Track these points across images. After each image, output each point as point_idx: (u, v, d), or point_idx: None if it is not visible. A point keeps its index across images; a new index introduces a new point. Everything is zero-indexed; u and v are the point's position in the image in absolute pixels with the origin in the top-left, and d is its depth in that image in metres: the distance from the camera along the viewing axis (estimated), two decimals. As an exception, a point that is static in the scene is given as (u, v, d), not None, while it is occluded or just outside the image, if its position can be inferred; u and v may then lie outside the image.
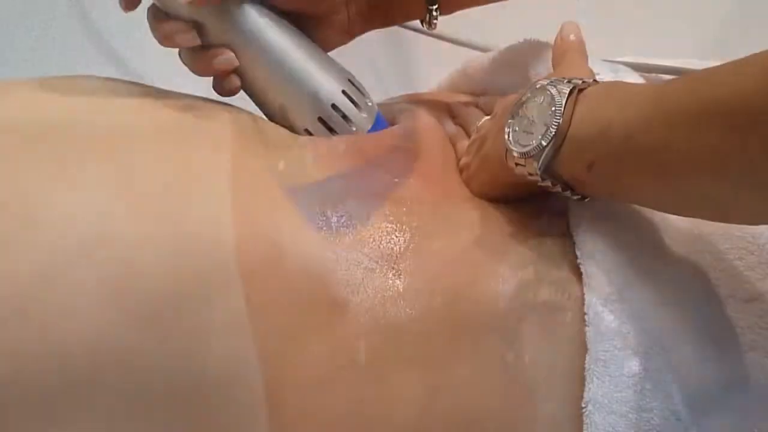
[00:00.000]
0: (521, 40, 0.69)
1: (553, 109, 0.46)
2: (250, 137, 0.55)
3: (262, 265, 0.47)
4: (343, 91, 0.61)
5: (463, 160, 0.58)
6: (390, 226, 0.51)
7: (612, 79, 0.63)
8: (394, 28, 0.70)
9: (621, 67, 0.64)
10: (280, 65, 0.59)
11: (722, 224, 0.51)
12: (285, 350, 0.46)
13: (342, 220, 0.50)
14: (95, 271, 0.43)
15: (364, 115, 0.61)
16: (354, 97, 0.61)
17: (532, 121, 0.47)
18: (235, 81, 0.60)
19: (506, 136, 0.49)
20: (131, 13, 0.57)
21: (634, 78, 0.63)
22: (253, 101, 0.62)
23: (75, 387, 0.42)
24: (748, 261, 0.50)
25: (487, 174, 0.54)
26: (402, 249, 0.50)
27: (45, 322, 0.42)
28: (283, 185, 0.51)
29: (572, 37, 0.56)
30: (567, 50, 0.55)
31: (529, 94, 0.48)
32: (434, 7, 0.64)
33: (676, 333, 0.47)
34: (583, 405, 0.46)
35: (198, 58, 0.59)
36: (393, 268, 0.49)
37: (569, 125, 0.45)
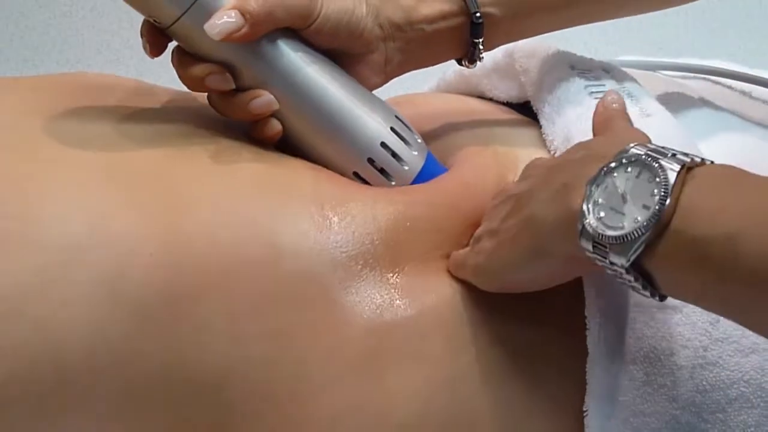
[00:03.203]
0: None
1: (658, 190, 0.37)
2: (248, 140, 0.54)
3: (260, 266, 0.46)
4: (392, 128, 0.55)
5: (481, 229, 0.50)
6: (392, 223, 0.51)
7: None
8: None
9: (629, 85, 0.63)
10: (323, 104, 0.54)
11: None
12: (283, 350, 0.45)
13: (344, 222, 0.49)
14: (91, 270, 0.43)
15: (415, 152, 0.56)
16: (403, 134, 0.56)
17: (623, 196, 0.39)
18: (277, 125, 0.54)
19: (585, 205, 0.40)
20: (131, 13, 0.56)
21: (649, 101, 0.60)
22: (293, 145, 0.56)
23: (71, 386, 0.42)
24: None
25: (531, 242, 0.44)
26: (401, 250, 0.50)
27: (41, 321, 0.42)
28: (283, 185, 0.51)
29: (615, 105, 0.50)
30: (611, 117, 0.49)
31: (623, 160, 0.40)
32: (480, 40, 0.59)
33: (676, 337, 0.46)
34: (585, 409, 0.46)
35: (232, 102, 0.53)
36: (391, 268, 0.49)
37: (673, 213, 0.37)
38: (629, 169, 0.39)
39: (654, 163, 0.38)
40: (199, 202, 0.48)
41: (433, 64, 0.61)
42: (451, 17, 0.57)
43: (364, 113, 0.55)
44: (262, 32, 0.51)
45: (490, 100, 0.70)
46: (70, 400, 0.42)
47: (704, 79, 0.73)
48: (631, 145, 0.40)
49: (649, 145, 0.40)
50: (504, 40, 0.61)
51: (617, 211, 0.39)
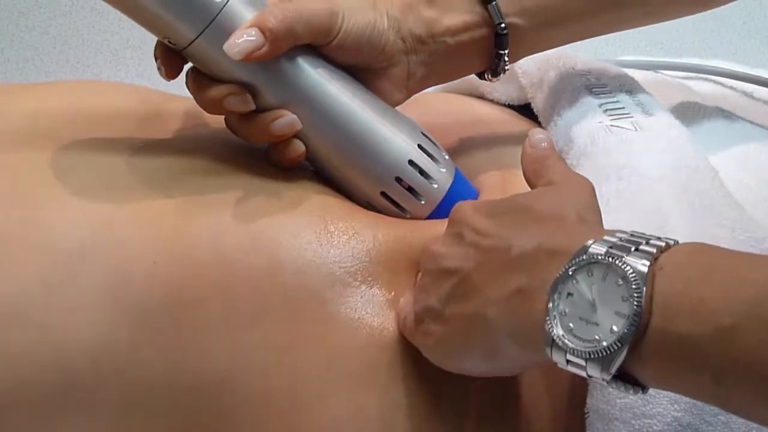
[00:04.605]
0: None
1: (630, 294, 0.34)
2: (252, 148, 0.54)
3: (260, 276, 0.46)
4: (419, 145, 0.53)
5: (422, 303, 0.45)
6: (392, 245, 0.50)
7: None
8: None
9: (628, 84, 0.62)
10: (348, 123, 0.51)
11: (725, 228, 0.50)
12: (283, 359, 0.45)
13: (344, 237, 0.49)
14: (95, 276, 0.43)
15: (443, 170, 0.54)
16: (431, 151, 0.53)
17: (593, 304, 0.35)
18: (300, 146, 0.51)
19: (550, 317, 0.36)
20: None
21: (650, 100, 0.59)
22: (315, 167, 0.54)
23: (75, 391, 0.42)
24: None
25: (486, 345, 0.41)
26: (399, 271, 0.50)
27: (47, 327, 0.42)
28: (287, 196, 0.51)
29: (544, 144, 0.48)
30: (544, 157, 0.47)
31: (584, 262, 0.36)
32: (505, 52, 0.56)
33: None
34: (586, 411, 0.46)
35: (252, 124, 0.51)
36: (389, 287, 0.49)
37: (650, 312, 0.34)
38: (593, 273, 0.36)
39: (619, 263, 0.35)
40: (202, 210, 0.48)
41: (456, 78, 0.59)
42: (475, 29, 0.55)
43: (390, 130, 0.52)
44: (283, 50, 0.49)
45: (491, 101, 0.70)
46: (73, 405, 0.42)
47: (705, 79, 0.73)
48: (590, 242, 0.37)
49: (607, 237, 0.37)
50: (529, 51, 0.59)
51: (588, 321, 0.35)
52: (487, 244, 0.42)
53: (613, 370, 0.34)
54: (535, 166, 0.47)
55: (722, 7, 0.63)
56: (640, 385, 0.35)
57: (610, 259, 0.35)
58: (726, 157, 0.60)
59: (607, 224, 0.47)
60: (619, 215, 0.51)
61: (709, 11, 0.63)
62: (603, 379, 0.35)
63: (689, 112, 0.66)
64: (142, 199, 0.47)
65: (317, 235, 0.49)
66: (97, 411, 0.43)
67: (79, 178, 0.47)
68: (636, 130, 0.56)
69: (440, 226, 0.52)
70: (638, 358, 0.34)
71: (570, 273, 0.36)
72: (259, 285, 0.46)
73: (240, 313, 0.45)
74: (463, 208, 0.45)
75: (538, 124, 0.63)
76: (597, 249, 0.36)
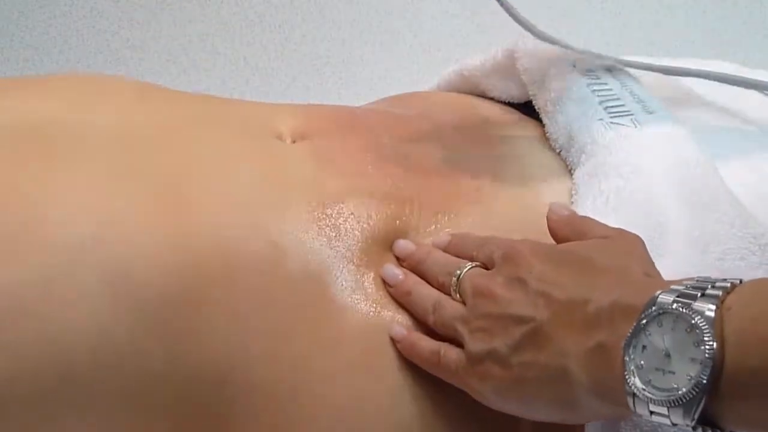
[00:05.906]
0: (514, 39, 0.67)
1: (701, 339, 0.35)
2: (255, 136, 0.54)
3: (262, 264, 0.47)
4: None
5: (478, 346, 0.44)
6: (390, 226, 0.51)
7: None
8: (395, 33, 0.64)
9: (630, 84, 0.61)
10: None
11: (724, 224, 0.50)
12: (283, 347, 0.46)
13: (341, 219, 0.50)
14: (95, 270, 0.43)
15: None
16: None
17: (667, 354, 0.36)
18: None
19: (628, 371, 0.37)
20: (131, 13, 0.56)
21: (652, 99, 0.59)
22: None
23: (75, 385, 0.42)
24: (749, 261, 0.50)
25: (563, 397, 0.41)
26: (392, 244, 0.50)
27: (46, 320, 0.42)
28: (285, 183, 0.51)
29: (566, 211, 0.48)
30: (577, 217, 0.48)
31: (654, 314, 0.37)
32: None
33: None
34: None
35: None
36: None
37: (723, 352, 0.34)
38: (663, 323, 0.36)
39: (687, 311, 0.36)
40: (203, 200, 0.48)
41: None
42: None
43: None
44: None
45: (491, 99, 0.70)
46: (73, 398, 0.42)
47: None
48: (658, 293, 0.37)
49: (675, 287, 0.37)
50: None
51: (665, 371, 0.36)
52: (560, 296, 0.41)
53: (696, 415, 0.35)
54: (571, 227, 0.47)
55: (722, 7, 0.62)
56: (719, 426, 0.35)
57: (678, 307, 0.36)
58: (746, 167, 0.60)
59: (607, 222, 0.48)
60: (619, 213, 0.51)
61: (710, 11, 0.63)
62: (688, 425, 0.35)
63: (710, 127, 0.65)
64: (142, 194, 0.47)
65: (315, 219, 0.49)
66: (97, 404, 0.43)
67: (80, 173, 0.47)
68: (636, 127, 0.56)
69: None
70: (719, 400, 0.34)
71: (642, 326, 0.37)
72: (259, 273, 0.46)
73: (240, 301, 0.45)
74: (521, 249, 0.45)
75: (539, 121, 0.63)
76: (665, 299, 0.37)
